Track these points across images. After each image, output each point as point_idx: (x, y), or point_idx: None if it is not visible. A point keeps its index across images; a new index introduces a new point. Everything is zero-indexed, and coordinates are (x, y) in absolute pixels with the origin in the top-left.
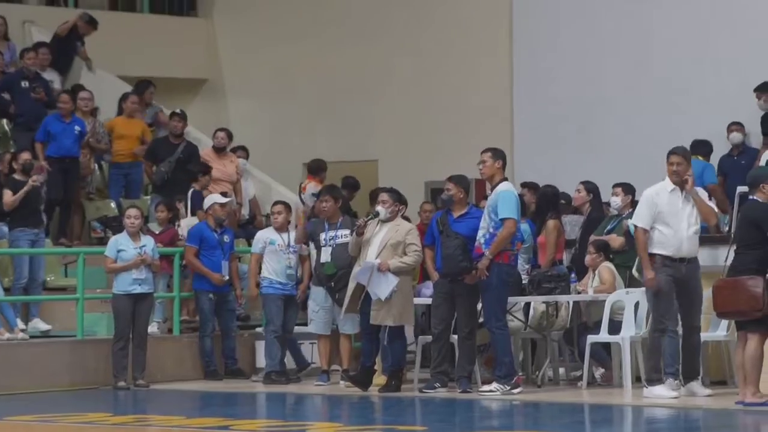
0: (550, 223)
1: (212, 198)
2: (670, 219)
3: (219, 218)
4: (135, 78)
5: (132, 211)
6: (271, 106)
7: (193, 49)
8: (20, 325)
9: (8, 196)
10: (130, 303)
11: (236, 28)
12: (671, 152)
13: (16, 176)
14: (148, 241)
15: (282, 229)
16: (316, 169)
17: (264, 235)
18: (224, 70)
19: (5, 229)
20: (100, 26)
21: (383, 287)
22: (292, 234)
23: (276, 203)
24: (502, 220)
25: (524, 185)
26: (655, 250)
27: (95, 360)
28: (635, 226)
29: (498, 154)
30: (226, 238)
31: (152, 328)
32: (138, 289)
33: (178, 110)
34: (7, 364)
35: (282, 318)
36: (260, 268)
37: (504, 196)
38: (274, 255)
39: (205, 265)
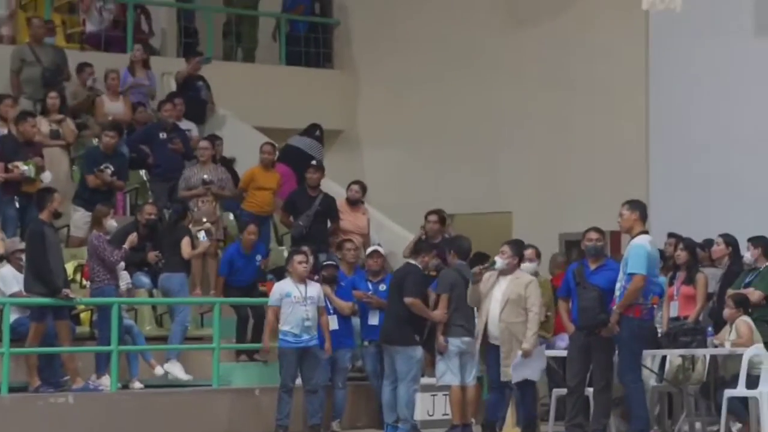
0: (701, 276)
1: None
2: None
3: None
4: (271, 129)
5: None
6: (405, 156)
7: (328, 101)
8: (159, 370)
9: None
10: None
11: (371, 80)
12: None
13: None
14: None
15: (301, 280)
16: None
17: (280, 287)
18: (359, 121)
19: (145, 279)
20: (237, 78)
21: (535, 367)
22: (312, 286)
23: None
24: (631, 275)
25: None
26: None
27: (230, 410)
28: None
29: (634, 206)
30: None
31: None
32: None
33: (314, 161)
34: (144, 413)
35: (294, 372)
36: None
37: (634, 251)
38: (289, 307)
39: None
